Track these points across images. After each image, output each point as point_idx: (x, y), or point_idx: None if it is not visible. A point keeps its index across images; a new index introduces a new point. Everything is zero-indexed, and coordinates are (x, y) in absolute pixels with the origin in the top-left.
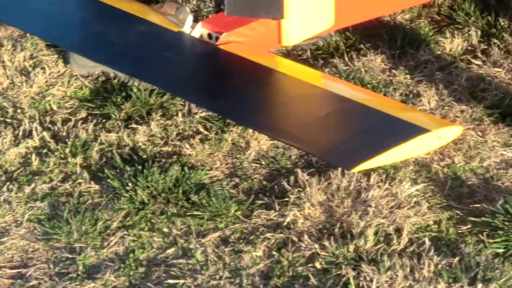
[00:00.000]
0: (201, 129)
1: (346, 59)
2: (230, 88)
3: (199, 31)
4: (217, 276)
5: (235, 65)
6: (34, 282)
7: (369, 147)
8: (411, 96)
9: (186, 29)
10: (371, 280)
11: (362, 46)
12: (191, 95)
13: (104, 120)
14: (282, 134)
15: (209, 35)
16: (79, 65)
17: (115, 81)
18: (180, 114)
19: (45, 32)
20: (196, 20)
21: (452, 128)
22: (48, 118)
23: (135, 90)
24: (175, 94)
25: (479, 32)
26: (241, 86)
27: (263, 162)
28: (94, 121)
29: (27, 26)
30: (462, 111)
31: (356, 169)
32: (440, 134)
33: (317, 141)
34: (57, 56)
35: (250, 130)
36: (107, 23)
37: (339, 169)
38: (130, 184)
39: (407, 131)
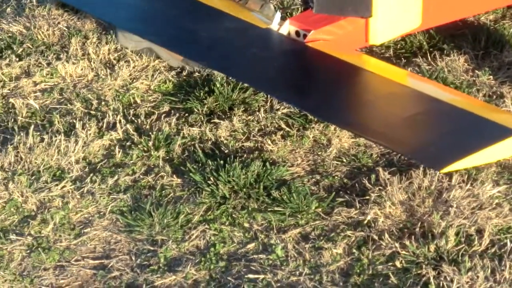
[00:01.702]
0: (283, 125)
1: (429, 58)
2: (318, 85)
3: (287, 28)
4: (297, 272)
5: (323, 63)
6: (116, 273)
7: (459, 148)
8: (494, 97)
9: (274, 26)
10: (452, 281)
11: (445, 46)
12: (279, 92)
13: (186, 114)
14: (371, 132)
15: (297, 33)
16: (125, 37)
17: (198, 75)
18: (262, 110)
19: (134, 26)
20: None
21: None
22: (131, 111)
23: (218, 85)
24: (263, 91)
25: None
26: (329, 84)
27: (344, 160)
28: (177, 115)
29: (116, 20)
30: None
31: (446, 170)
32: None
33: (406, 141)
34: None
35: (332, 128)
36: (197, 19)
37: (421, 168)
38: (212, 178)
39: (497, 132)
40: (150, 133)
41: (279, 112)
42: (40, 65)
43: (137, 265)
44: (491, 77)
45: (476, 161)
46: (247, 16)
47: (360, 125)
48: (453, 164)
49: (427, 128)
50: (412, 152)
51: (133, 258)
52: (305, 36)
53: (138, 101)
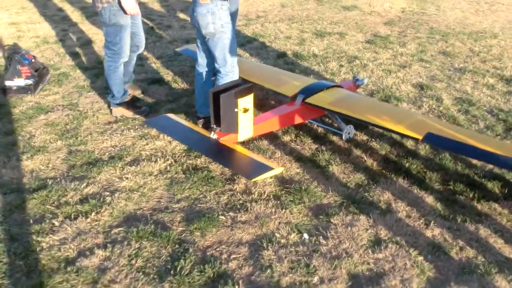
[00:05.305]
0: None
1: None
2: (221, 154)
3: (215, 136)
4: None
5: (224, 147)
6: None
7: (257, 172)
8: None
9: (212, 136)
10: None
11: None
12: (211, 155)
13: None
14: (232, 166)
15: (217, 138)
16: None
17: None
18: None
19: (172, 134)
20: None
21: (279, 168)
22: None
23: None
24: (208, 156)
25: None
26: (225, 154)
27: None
28: None
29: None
30: None
31: (253, 180)
32: (277, 170)
33: (242, 169)
34: None
35: None
36: (191, 135)
37: None
38: None
39: (268, 167)
40: None
41: None
42: None
43: None
44: None
45: (262, 177)
46: (205, 132)
47: (229, 163)
48: (256, 178)
49: (247, 165)
50: (242, 172)
51: None
52: (219, 139)
53: None
